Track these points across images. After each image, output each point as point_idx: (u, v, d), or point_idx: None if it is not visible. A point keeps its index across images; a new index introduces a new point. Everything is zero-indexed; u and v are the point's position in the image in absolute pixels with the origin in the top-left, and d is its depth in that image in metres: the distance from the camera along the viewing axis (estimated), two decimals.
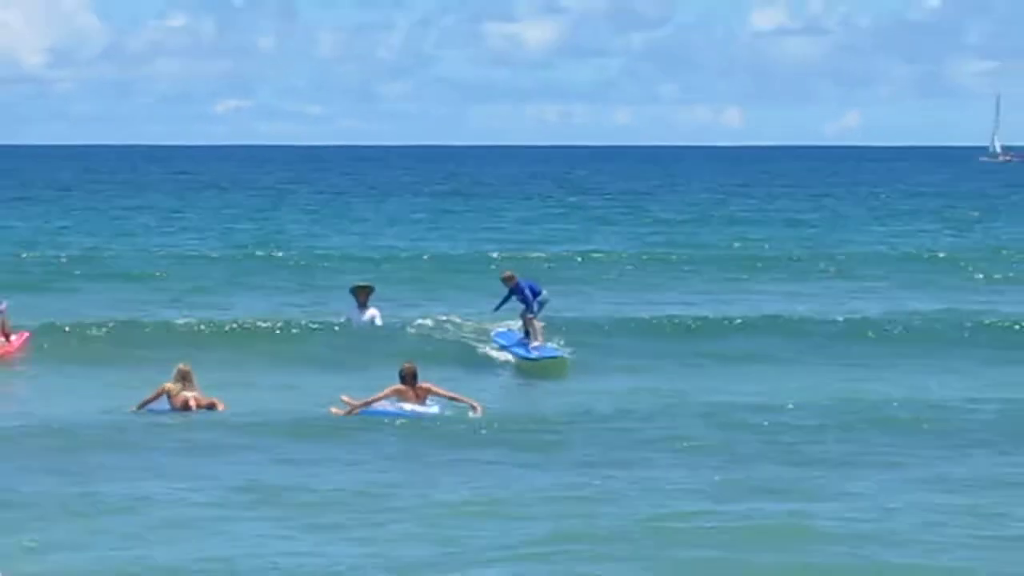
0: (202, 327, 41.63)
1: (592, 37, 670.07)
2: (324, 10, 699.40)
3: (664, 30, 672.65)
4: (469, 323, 42.27)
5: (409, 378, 30.83)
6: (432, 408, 30.70)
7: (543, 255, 63.41)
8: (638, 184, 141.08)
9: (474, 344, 40.22)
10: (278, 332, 41.18)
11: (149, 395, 31.01)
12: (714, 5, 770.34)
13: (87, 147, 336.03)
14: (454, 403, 30.61)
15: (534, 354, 38.22)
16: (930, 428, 28.90)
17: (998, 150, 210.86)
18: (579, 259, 63.09)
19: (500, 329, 40.52)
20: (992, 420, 29.82)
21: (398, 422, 29.68)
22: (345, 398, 30.95)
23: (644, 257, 64.09)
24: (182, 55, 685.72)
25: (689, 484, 23.98)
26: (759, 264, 62.13)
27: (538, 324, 38.83)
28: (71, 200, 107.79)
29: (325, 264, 60.76)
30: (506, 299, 39.65)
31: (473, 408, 30.54)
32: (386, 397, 30.75)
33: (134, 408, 30.85)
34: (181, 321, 42.20)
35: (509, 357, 38.73)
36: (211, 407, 30.95)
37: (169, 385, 31.01)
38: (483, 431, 28.59)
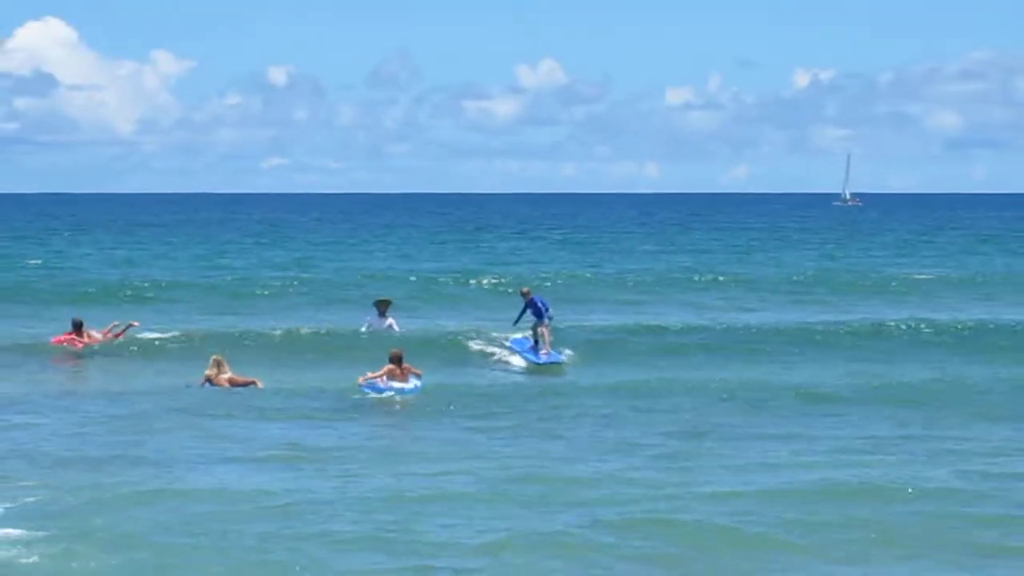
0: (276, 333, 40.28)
1: (546, 110, 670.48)
2: (344, 90, 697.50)
3: (600, 105, 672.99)
4: (480, 331, 39.52)
5: (396, 361, 30.33)
6: (414, 384, 30.15)
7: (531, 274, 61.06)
8: (581, 221, 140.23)
9: (487, 347, 37.77)
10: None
11: (201, 380, 31.03)
12: (638, 86, 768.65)
13: (165, 195, 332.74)
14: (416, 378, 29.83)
15: (543, 359, 35.82)
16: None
17: (847, 196, 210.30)
18: (545, 274, 61.52)
19: (516, 337, 37.68)
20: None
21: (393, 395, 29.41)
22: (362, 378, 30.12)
23: (588, 275, 62.95)
24: (237, 124, 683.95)
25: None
26: (688, 279, 61.11)
27: (547, 333, 36.36)
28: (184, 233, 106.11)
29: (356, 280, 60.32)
30: (523, 312, 37.13)
31: (417, 375, 30.03)
32: (382, 376, 30.19)
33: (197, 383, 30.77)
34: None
35: (520, 360, 36.24)
36: (251, 384, 30.98)
37: (209, 372, 31.12)
38: (451, 406, 28.26)
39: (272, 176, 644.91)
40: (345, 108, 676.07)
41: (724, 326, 42.98)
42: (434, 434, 25.48)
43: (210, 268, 68.35)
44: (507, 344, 37.73)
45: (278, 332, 40.61)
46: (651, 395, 30.06)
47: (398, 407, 28.91)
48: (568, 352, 36.85)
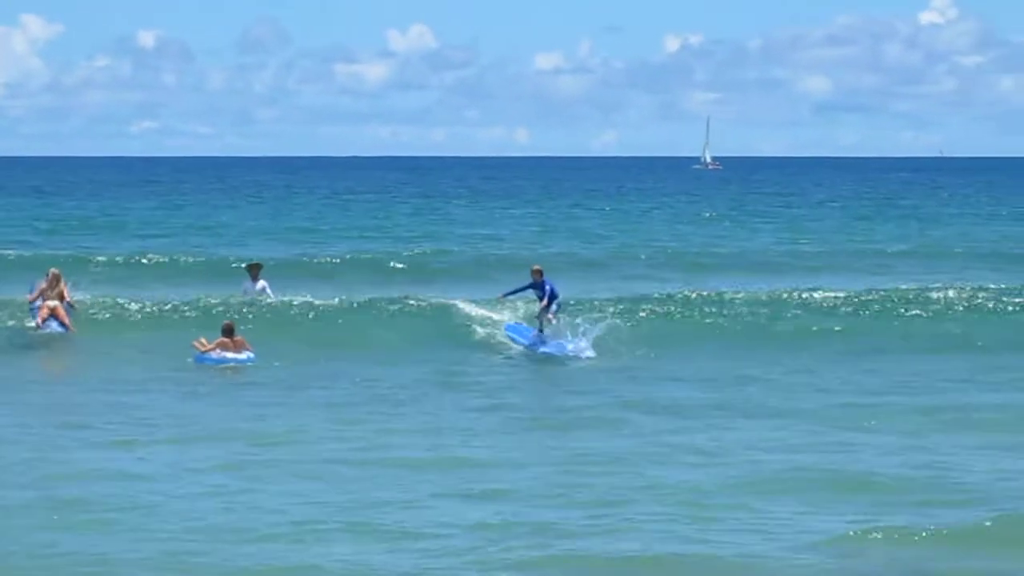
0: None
1: (415, 75, 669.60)
2: (213, 55, 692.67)
3: (470, 70, 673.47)
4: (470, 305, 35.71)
5: (228, 332, 29.91)
6: (245, 354, 29.73)
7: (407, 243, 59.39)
8: (455, 186, 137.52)
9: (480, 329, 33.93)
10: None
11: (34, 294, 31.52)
12: (507, 51, 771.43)
13: (34, 158, 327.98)
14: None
15: (559, 350, 31.38)
16: None
17: (708, 160, 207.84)
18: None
19: (511, 323, 33.76)
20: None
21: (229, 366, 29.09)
22: (199, 342, 29.89)
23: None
24: (106, 88, 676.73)
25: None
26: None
27: (555, 321, 32.18)
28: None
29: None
30: (522, 290, 32.96)
31: (249, 349, 29.53)
32: (216, 348, 29.75)
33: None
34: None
35: (520, 348, 32.23)
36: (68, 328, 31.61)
37: (42, 286, 31.55)
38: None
39: (142, 140, 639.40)
40: (214, 73, 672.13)
41: None
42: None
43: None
44: (504, 329, 33.64)
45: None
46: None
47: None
48: (588, 348, 31.38)
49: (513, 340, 32.86)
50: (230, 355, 29.65)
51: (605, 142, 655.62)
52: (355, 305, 36.94)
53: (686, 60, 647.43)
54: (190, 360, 29.76)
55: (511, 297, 33.80)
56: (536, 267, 33.33)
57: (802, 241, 64.80)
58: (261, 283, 36.25)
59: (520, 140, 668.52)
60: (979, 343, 33.41)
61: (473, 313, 34.97)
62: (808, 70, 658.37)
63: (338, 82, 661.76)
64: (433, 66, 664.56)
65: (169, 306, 36.88)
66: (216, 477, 18.85)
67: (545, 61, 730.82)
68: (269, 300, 35.98)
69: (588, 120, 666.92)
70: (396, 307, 36.71)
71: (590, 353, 30.95)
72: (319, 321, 35.44)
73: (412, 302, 37.05)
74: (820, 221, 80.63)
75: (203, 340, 29.94)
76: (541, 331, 32.30)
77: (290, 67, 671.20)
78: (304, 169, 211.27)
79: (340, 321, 35.60)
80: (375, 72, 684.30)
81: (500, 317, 34.37)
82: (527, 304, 34.00)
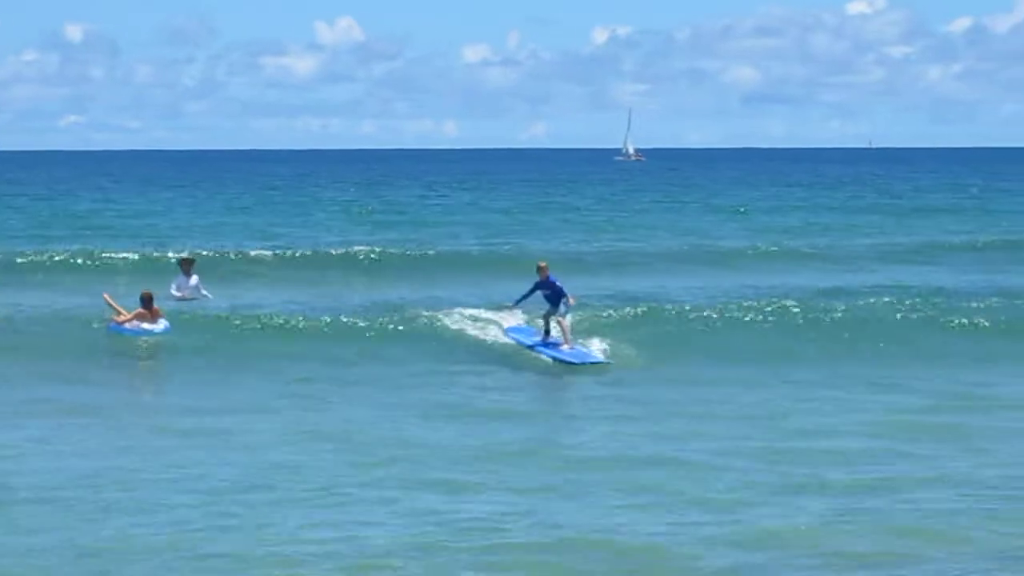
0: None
1: (344, 67, 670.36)
2: (140, 48, 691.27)
3: (398, 62, 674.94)
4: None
5: (147, 303, 29.72)
6: (162, 325, 29.82)
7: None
8: (377, 177, 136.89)
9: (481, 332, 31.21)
10: None
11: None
12: (436, 43, 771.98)
13: None
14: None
15: (568, 355, 28.75)
16: None
17: (630, 151, 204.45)
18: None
19: (513, 324, 30.80)
20: None
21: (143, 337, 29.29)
22: (107, 296, 30.16)
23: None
24: (33, 82, 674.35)
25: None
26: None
27: (566, 323, 29.32)
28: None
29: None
30: (531, 292, 29.58)
31: (163, 319, 29.48)
32: (134, 318, 29.69)
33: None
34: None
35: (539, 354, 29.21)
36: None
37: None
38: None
39: (70, 134, 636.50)
40: (142, 66, 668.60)
41: None
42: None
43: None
44: (506, 332, 30.72)
45: None
46: None
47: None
48: (601, 346, 29.87)
49: (518, 343, 29.94)
50: (146, 326, 29.55)
51: (533, 134, 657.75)
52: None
53: (614, 51, 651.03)
54: (96, 326, 30.20)
55: (522, 304, 30.16)
56: (542, 263, 30.03)
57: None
58: (195, 278, 34.95)
59: (449, 132, 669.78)
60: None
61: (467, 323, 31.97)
62: (736, 61, 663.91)
63: (267, 75, 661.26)
64: (361, 59, 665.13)
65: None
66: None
67: (473, 53, 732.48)
68: (205, 296, 34.64)
69: (516, 112, 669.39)
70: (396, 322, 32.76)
71: (602, 357, 28.81)
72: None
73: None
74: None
75: (120, 309, 29.93)
76: (548, 334, 29.47)
77: (218, 60, 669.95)
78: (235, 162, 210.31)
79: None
80: (304, 65, 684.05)
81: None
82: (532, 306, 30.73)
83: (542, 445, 20.97)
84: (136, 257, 45.99)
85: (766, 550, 15.38)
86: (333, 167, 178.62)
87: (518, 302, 30.04)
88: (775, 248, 52.36)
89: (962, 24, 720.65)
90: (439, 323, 31.80)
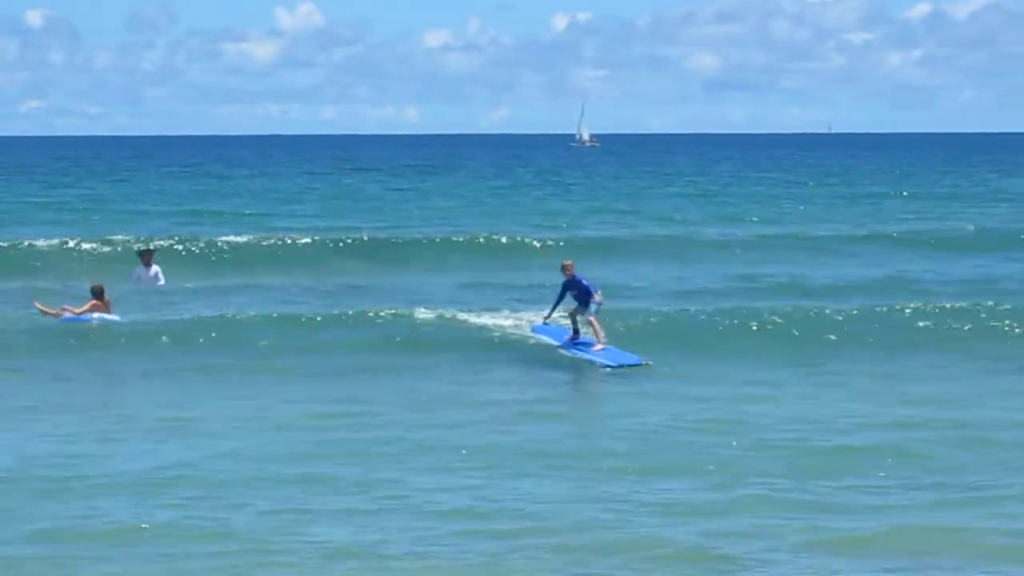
0: None
1: (305, 53, 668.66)
2: (101, 34, 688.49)
3: (359, 48, 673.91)
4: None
5: (99, 295, 29.85)
6: (115, 316, 29.95)
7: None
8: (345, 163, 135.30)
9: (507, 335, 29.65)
10: None
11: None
12: (396, 29, 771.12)
13: None
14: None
15: (601, 357, 27.16)
16: None
17: (585, 137, 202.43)
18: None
19: (539, 324, 29.11)
20: None
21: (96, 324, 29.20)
22: (39, 304, 30.13)
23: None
24: None
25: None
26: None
27: (596, 322, 27.72)
28: None
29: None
30: (561, 297, 27.97)
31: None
32: (88, 310, 29.78)
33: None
34: None
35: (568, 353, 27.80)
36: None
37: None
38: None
39: (30, 119, 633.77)
40: (102, 52, 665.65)
41: None
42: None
43: None
44: (533, 331, 29.24)
45: None
46: None
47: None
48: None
49: (549, 342, 28.48)
50: (97, 315, 29.77)
51: (494, 120, 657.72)
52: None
53: (575, 37, 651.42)
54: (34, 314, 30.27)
55: (559, 309, 28.32)
56: (567, 261, 28.23)
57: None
58: (155, 268, 34.79)
59: (410, 118, 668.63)
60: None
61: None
62: (697, 47, 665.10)
63: (227, 61, 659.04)
64: (321, 44, 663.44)
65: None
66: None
67: (434, 39, 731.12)
68: (161, 284, 34.57)
69: (478, 98, 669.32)
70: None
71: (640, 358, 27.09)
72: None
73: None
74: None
75: (66, 306, 30.16)
76: (577, 333, 27.99)
77: (178, 46, 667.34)
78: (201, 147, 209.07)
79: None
80: (264, 51, 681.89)
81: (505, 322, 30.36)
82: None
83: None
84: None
85: None
86: (294, 152, 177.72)
87: (553, 310, 28.37)
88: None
89: (922, 10, 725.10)
90: (461, 321, 30.71)
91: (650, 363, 26.76)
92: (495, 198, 75.87)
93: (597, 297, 27.62)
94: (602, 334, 27.57)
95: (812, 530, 15.90)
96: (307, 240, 47.35)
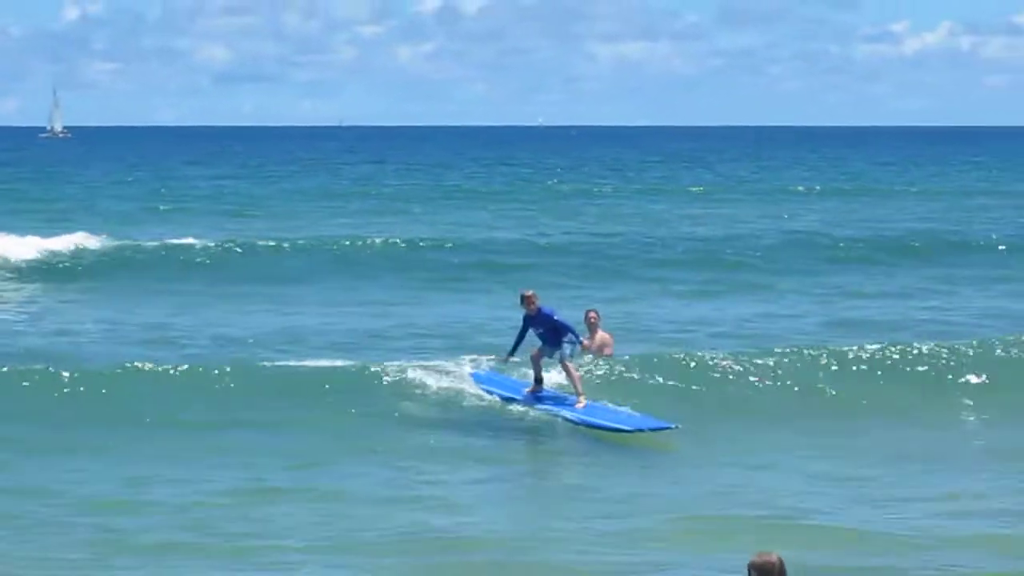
0: None
1: None
2: None
3: None
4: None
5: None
6: None
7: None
8: None
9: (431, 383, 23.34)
10: None
11: None
12: None
13: None
14: None
15: (585, 417, 21.56)
16: None
17: (57, 129, 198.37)
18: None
19: (476, 372, 23.40)
20: None
21: None
22: None
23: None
24: None
25: None
26: None
27: (574, 370, 22.08)
28: None
29: None
30: (522, 335, 22.15)
31: None
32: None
33: None
34: None
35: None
36: None
37: None
38: None
39: None
40: None
41: None
42: None
43: None
44: (469, 381, 23.23)
45: None
46: None
47: None
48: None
49: (489, 393, 22.77)
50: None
51: (6, 111, 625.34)
52: None
53: (86, 30, 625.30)
54: None
55: (519, 351, 22.50)
56: (527, 292, 22.27)
57: None
58: None
59: None
60: None
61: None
62: (208, 40, 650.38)
63: None
64: None
65: None
66: None
67: None
68: None
69: None
70: None
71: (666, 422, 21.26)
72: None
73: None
74: None
75: None
76: (540, 383, 22.35)
77: None
78: None
79: None
80: None
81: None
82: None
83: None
84: None
85: None
86: None
87: (513, 351, 22.38)
88: None
89: (432, 4, 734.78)
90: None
91: (679, 426, 21.11)
92: None
93: (585, 343, 23.09)
94: (580, 387, 21.98)
95: None
96: None
